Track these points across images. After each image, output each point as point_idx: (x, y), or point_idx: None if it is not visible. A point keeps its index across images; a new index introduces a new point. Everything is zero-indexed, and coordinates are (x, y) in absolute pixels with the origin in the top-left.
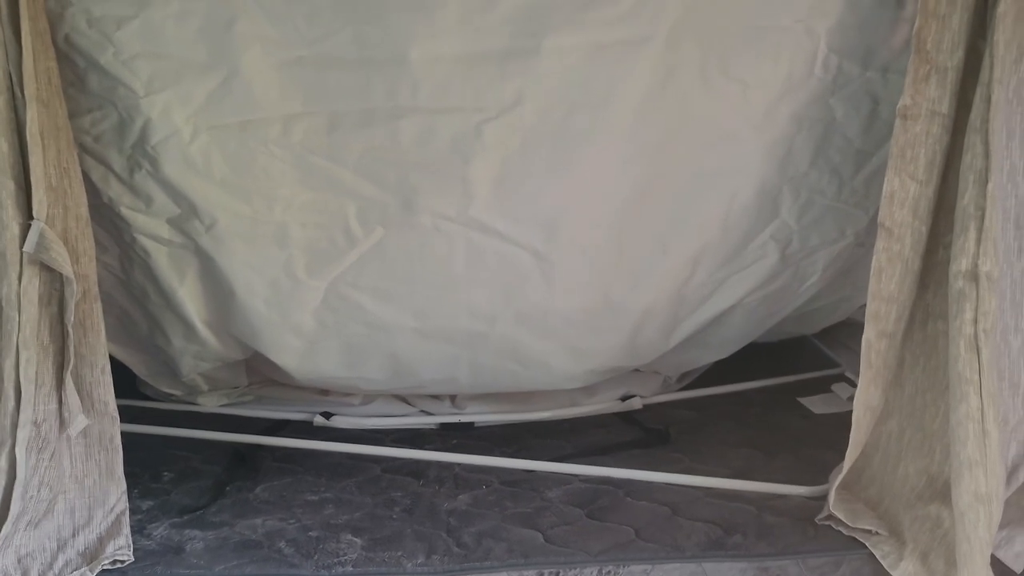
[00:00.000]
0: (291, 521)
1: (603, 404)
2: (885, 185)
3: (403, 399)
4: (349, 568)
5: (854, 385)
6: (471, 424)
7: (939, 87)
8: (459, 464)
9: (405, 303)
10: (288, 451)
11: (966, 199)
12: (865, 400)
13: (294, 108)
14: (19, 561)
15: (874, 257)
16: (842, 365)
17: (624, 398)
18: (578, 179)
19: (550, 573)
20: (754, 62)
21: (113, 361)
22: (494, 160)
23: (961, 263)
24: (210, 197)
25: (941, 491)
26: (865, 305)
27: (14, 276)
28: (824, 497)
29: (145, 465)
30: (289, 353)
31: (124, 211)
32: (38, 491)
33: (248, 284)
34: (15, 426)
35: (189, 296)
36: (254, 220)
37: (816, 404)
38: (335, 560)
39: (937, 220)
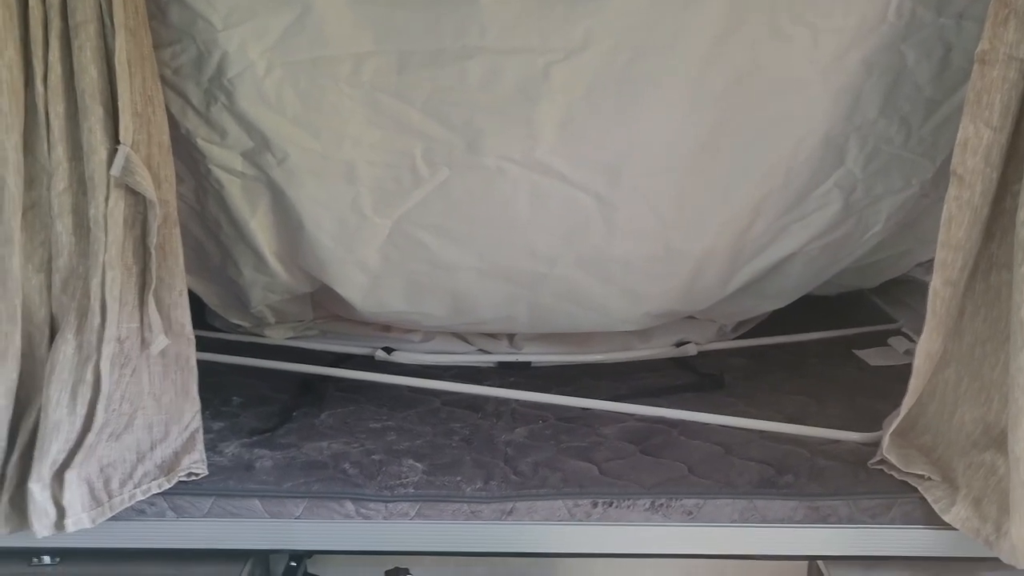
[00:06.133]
0: (355, 445)
1: (658, 349)
2: (960, 132)
3: (462, 338)
4: (411, 490)
5: (912, 340)
6: (528, 364)
7: (1017, 31)
8: (516, 400)
9: (467, 243)
10: (351, 383)
11: None
12: (927, 348)
13: (365, 46)
14: (101, 470)
15: (945, 205)
16: (900, 321)
17: (679, 344)
18: (643, 124)
19: (604, 503)
20: (826, 7)
21: None
22: (560, 103)
23: None
24: (282, 132)
25: (997, 439)
26: (923, 262)
27: (101, 198)
28: (877, 443)
29: (216, 391)
30: (354, 287)
31: (200, 143)
32: (120, 405)
33: (316, 219)
34: (101, 341)
35: (260, 228)
36: (323, 156)
37: (872, 356)
38: (397, 482)
39: (1007, 168)
